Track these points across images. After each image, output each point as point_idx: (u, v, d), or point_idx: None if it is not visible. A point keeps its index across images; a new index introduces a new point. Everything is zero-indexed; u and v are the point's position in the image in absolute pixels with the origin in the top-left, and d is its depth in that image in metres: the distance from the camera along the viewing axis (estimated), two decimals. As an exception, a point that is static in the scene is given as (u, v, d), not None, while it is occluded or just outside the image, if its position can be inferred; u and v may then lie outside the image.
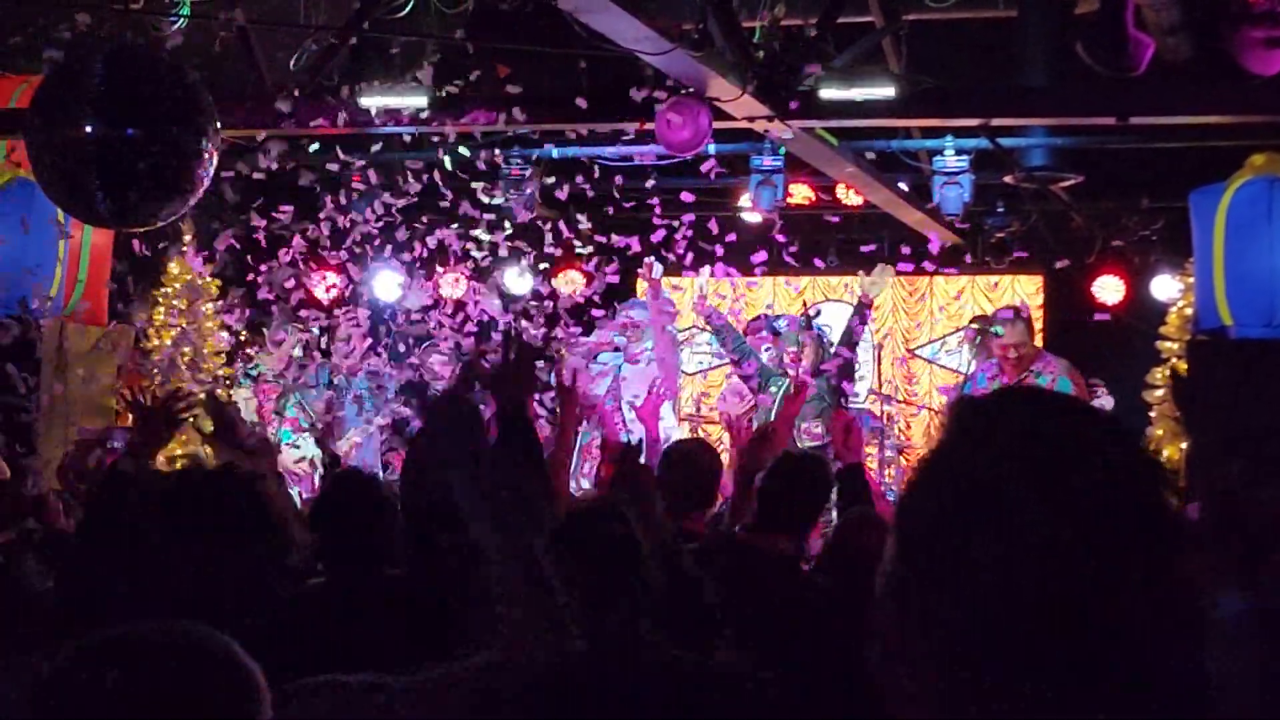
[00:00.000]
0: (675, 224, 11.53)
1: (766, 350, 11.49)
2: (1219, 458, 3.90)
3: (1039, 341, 14.22)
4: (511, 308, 12.23)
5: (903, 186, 12.13)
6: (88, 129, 6.72)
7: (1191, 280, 10.20)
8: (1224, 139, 10.18)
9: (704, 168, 11.35)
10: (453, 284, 14.85)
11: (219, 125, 7.20)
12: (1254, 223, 9.08)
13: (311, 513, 4.89)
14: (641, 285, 11.56)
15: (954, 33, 9.84)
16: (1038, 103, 9.45)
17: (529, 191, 12.15)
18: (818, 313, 11.18)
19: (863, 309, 10.75)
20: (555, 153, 12.03)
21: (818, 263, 14.55)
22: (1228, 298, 9.16)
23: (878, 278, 10.64)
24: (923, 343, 15.15)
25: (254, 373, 11.59)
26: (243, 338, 12.52)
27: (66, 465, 7.96)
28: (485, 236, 11.95)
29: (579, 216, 12.12)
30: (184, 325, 12.33)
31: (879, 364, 14.91)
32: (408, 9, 8.71)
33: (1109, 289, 13.76)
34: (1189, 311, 10.47)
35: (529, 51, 9.38)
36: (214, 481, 4.03)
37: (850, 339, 10.67)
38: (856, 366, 11.15)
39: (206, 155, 7.05)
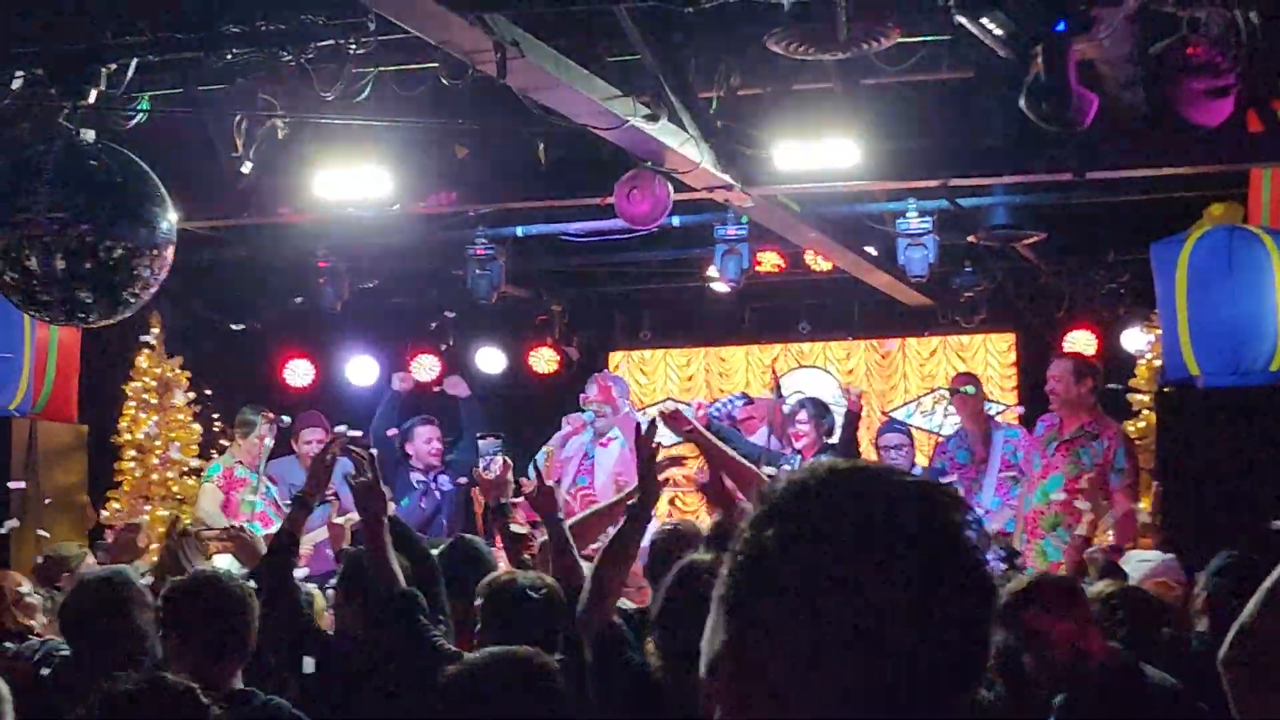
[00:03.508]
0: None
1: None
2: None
3: (1012, 399, 14.34)
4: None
5: (870, 250, 12.15)
6: (40, 227, 6.72)
7: (1159, 332, 10.22)
8: (1183, 190, 10.23)
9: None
10: (425, 368, 14.86)
11: (175, 217, 7.21)
12: (1215, 272, 9.11)
13: None
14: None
15: (912, 95, 9.87)
16: (993, 161, 9.49)
17: (495, 271, 12.15)
18: (779, 390, 11.17)
19: (854, 417, 10.92)
20: (520, 231, 12.04)
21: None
22: (1193, 348, 9.18)
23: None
24: (897, 405, 15.14)
25: (220, 466, 11.49)
26: (216, 428, 12.49)
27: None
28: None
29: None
30: (155, 418, 12.30)
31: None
32: (365, 94, 8.72)
33: (1080, 344, 13.76)
34: (1158, 363, 10.49)
35: (487, 131, 9.41)
36: None
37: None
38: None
39: (163, 248, 7.05)
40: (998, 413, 13.06)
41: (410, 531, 6.51)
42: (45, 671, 5.77)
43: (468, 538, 7.07)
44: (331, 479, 6.62)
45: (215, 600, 4.74)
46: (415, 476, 11.82)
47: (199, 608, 4.73)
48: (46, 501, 10.36)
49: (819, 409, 11.01)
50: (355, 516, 10.60)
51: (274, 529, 10.67)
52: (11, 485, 10.22)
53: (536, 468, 6.37)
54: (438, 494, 11.66)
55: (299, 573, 9.81)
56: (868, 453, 11.75)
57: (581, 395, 11.39)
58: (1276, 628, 3.50)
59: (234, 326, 13.90)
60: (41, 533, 10.11)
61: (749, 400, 12.03)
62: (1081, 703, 4.75)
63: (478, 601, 5.33)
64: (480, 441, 9.83)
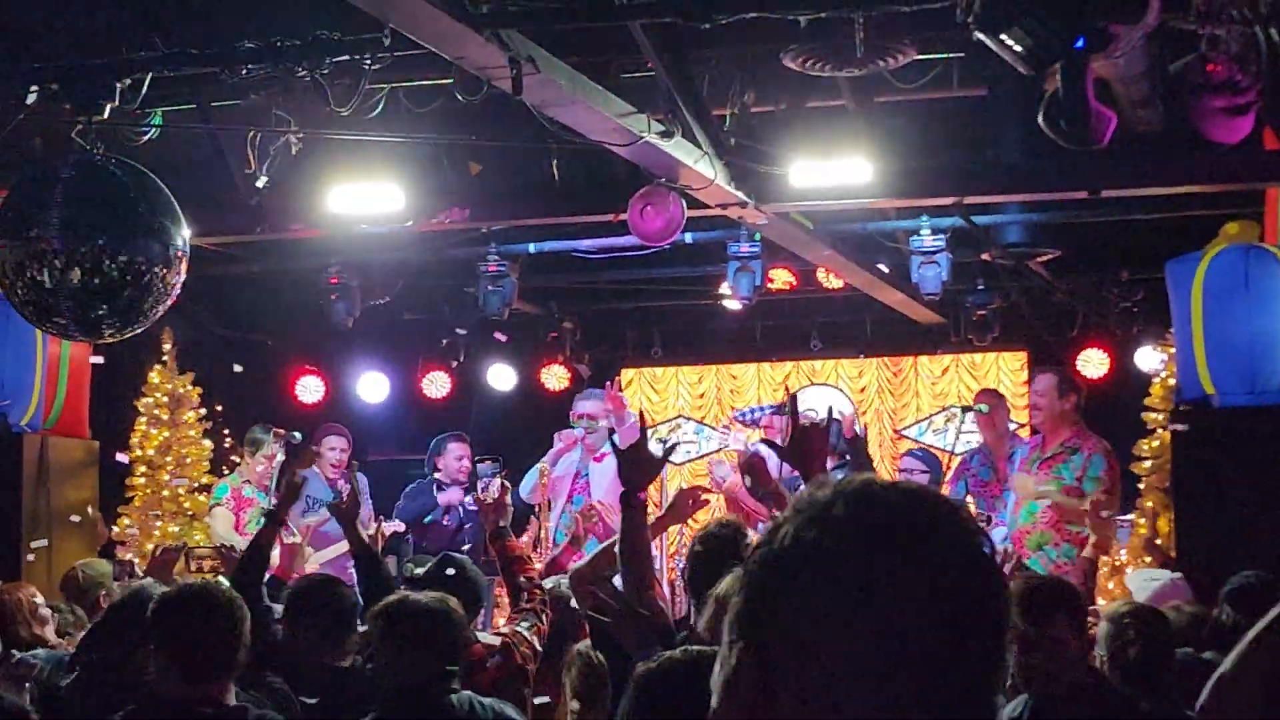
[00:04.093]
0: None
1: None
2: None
3: (1024, 417, 14.28)
4: None
5: (882, 268, 12.13)
6: (54, 241, 6.70)
7: (1173, 351, 10.18)
8: (1199, 209, 10.20)
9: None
10: (437, 384, 14.87)
11: (188, 233, 7.19)
12: (1231, 291, 9.06)
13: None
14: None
15: (926, 112, 9.86)
16: (1009, 179, 9.45)
17: (507, 287, 12.12)
18: (791, 403, 11.16)
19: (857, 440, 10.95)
20: (532, 247, 12.02)
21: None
22: (1209, 367, 9.13)
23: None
24: (909, 423, 15.11)
25: (227, 487, 11.39)
26: (227, 444, 12.49)
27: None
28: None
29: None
30: (166, 434, 12.30)
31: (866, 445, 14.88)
32: (379, 110, 8.70)
33: (1093, 363, 13.74)
34: (1172, 382, 10.44)
35: (501, 147, 9.40)
36: None
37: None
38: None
39: (176, 263, 7.02)
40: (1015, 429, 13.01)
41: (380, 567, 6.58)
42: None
43: (454, 556, 7.05)
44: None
45: (206, 614, 4.59)
46: (438, 493, 11.77)
47: (189, 621, 4.58)
48: (36, 545, 10.30)
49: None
50: (385, 530, 10.69)
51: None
52: (33, 545, 10.25)
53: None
54: (460, 511, 11.62)
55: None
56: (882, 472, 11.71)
57: (572, 411, 11.24)
58: (1252, 683, 3.50)
59: (236, 368, 13.90)
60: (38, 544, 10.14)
61: (780, 410, 11.92)
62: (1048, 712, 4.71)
63: (369, 624, 5.28)
64: (478, 465, 9.79)
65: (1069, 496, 9.53)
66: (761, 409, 12.41)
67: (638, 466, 5.06)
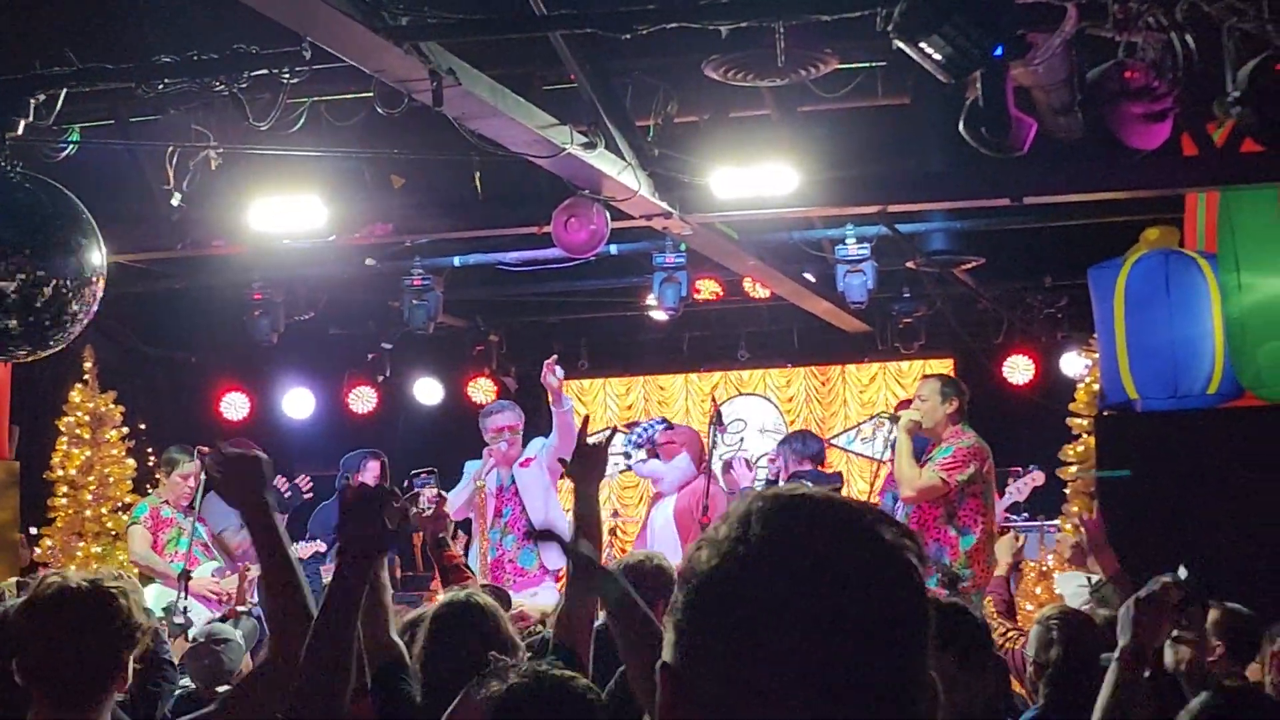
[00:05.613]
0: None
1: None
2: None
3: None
4: None
5: (808, 277, 12.15)
6: (-32, 260, 6.61)
7: (1097, 356, 10.23)
8: (1119, 215, 10.27)
9: None
10: (363, 399, 14.79)
11: (105, 251, 7.10)
12: (1152, 296, 9.13)
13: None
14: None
15: (849, 121, 9.89)
16: (932, 187, 9.48)
17: (432, 301, 12.05)
18: (720, 419, 11.14)
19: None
20: (457, 261, 11.96)
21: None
22: (1131, 372, 9.19)
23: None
24: (838, 431, 15.13)
25: (146, 506, 11.20)
26: (150, 463, 12.35)
27: None
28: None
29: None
30: (88, 454, 12.17)
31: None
32: (299, 124, 8.64)
33: (1019, 369, 13.83)
34: (1096, 387, 10.50)
35: (423, 160, 9.36)
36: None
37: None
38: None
39: (93, 282, 6.94)
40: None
41: None
42: None
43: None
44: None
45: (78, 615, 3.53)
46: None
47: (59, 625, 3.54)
48: None
49: (798, 442, 11.06)
50: (303, 550, 10.50)
51: (200, 569, 10.56)
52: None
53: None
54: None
55: (205, 614, 9.72)
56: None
57: (488, 428, 10.91)
58: None
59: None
60: None
61: (669, 425, 11.95)
62: None
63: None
64: (414, 478, 9.66)
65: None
66: (652, 425, 12.35)
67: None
